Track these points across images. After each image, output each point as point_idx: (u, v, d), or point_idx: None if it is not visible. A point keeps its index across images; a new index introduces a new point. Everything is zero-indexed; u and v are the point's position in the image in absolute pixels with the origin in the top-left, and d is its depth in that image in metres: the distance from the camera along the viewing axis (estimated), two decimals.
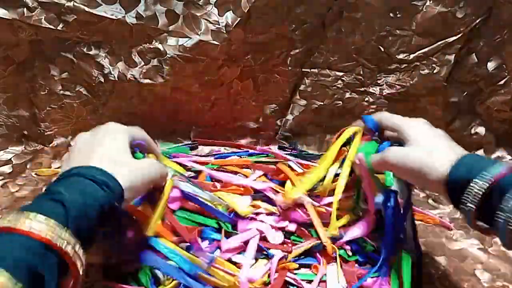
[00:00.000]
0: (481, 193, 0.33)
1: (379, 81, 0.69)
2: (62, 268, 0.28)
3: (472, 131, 0.73)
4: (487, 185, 0.33)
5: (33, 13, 0.58)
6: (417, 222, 0.57)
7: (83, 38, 0.61)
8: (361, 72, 0.68)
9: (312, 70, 0.68)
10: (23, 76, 0.63)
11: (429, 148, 0.40)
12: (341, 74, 0.68)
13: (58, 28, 0.59)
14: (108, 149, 0.37)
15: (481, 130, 0.73)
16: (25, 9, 0.57)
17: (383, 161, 0.43)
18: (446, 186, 0.36)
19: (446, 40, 0.64)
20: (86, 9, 0.58)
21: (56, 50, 0.62)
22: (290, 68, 0.67)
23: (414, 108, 0.70)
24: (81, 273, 0.29)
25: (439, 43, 0.64)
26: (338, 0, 0.61)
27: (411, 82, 0.67)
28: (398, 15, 0.63)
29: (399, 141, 0.43)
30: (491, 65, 0.67)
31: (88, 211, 0.32)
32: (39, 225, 0.28)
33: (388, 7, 0.62)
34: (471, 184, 0.33)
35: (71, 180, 0.33)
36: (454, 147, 0.40)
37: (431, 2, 0.62)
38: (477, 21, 0.62)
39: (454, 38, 0.64)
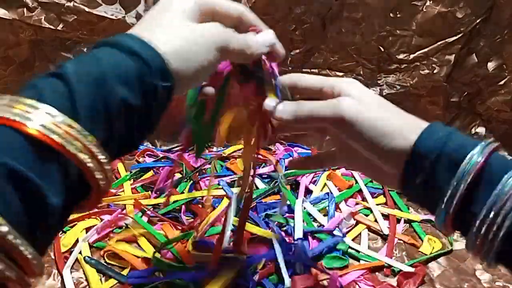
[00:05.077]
0: (468, 180, 0.25)
1: (379, 81, 0.69)
2: (72, 181, 0.21)
3: (472, 131, 0.73)
4: (474, 171, 0.25)
5: (33, 13, 0.58)
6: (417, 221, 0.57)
7: (83, 38, 0.61)
8: (361, 72, 0.68)
9: (312, 70, 0.68)
10: (23, 76, 0.63)
11: (391, 108, 0.31)
12: (341, 74, 0.68)
13: (58, 28, 0.59)
14: (158, 14, 0.27)
15: (481, 130, 0.73)
16: (25, 9, 0.57)
17: (332, 113, 0.30)
18: (409, 158, 0.28)
19: (446, 40, 0.64)
20: (86, 9, 0.58)
21: (56, 50, 0.62)
22: (290, 68, 0.67)
23: (414, 108, 0.70)
24: (104, 190, 0.22)
25: (439, 43, 0.64)
26: (338, 0, 0.61)
27: (411, 82, 0.67)
28: (398, 15, 0.63)
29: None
30: (491, 65, 0.67)
31: (109, 92, 0.22)
32: (40, 119, 0.20)
33: (388, 7, 0.62)
34: (462, 165, 0.25)
35: (86, 54, 0.24)
36: (413, 116, 0.31)
37: (431, 2, 0.62)
38: (477, 21, 0.62)
39: (454, 38, 0.64)
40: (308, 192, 0.59)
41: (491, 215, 0.24)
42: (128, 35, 0.25)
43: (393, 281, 0.47)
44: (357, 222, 0.55)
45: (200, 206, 0.56)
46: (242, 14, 0.31)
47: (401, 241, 0.53)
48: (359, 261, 0.49)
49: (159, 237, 0.50)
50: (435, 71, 0.66)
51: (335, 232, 0.52)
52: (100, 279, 0.46)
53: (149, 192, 0.58)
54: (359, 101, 0.30)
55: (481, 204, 0.25)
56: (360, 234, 0.54)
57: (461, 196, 0.25)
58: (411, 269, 0.48)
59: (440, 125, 0.29)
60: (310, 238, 0.51)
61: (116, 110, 0.23)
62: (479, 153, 0.25)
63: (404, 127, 0.29)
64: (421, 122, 0.30)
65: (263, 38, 0.31)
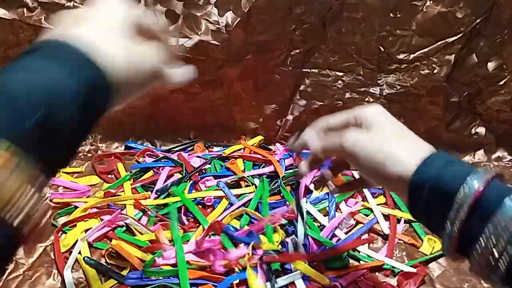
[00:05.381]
0: (463, 217, 0.26)
1: (379, 81, 0.69)
2: None
3: (472, 131, 0.73)
4: (471, 200, 0.26)
5: (33, 13, 0.58)
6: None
7: None
8: (361, 72, 0.68)
9: (312, 70, 0.68)
10: None
11: (398, 135, 0.32)
12: (341, 74, 0.68)
13: None
14: (100, 21, 0.27)
15: (481, 130, 0.73)
16: (25, 9, 0.57)
17: (338, 146, 0.34)
18: (409, 187, 0.29)
19: (446, 40, 0.64)
20: None
21: None
22: (290, 68, 0.67)
23: (414, 108, 0.70)
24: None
25: (439, 43, 0.64)
26: (338, 0, 0.61)
27: (411, 82, 0.67)
28: (398, 15, 0.63)
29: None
30: (491, 65, 0.66)
31: (52, 113, 0.21)
32: None
33: (388, 7, 0.62)
34: (457, 198, 0.26)
35: (27, 67, 0.23)
36: (423, 141, 0.33)
37: (431, 2, 0.62)
38: (477, 21, 0.62)
39: (454, 38, 0.64)
40: (308, 192, 0.59)
41: (491, 242, 0.24)
42: (71, 47, 0.24)
43: (393, 281, 0.47)
44: (357, 222, 0.55)
45: (200, 206, 0.56)
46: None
47: (401, 241, 0.53)
48: (359, 261, 0.49)
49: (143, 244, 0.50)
50: (435, 71, 0.66)
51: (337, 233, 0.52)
52: (100, 279, 0.46)
53: (149, 192, 0.58)
54: (370, 130, 0.33)
55: (480, 231, 0.25)
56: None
57: (459, 228, 0.26)
58: (412, 269, 0.48)
59: (439, 155, 0.30)
60: (310, 239, 0.51)
61: (56, 131, 0.21)
62: (477, 180, 0.26)
63: (400, 157, 0.30)
64: (423, 149, 0.31)
65: (182, 74, 0.34)
